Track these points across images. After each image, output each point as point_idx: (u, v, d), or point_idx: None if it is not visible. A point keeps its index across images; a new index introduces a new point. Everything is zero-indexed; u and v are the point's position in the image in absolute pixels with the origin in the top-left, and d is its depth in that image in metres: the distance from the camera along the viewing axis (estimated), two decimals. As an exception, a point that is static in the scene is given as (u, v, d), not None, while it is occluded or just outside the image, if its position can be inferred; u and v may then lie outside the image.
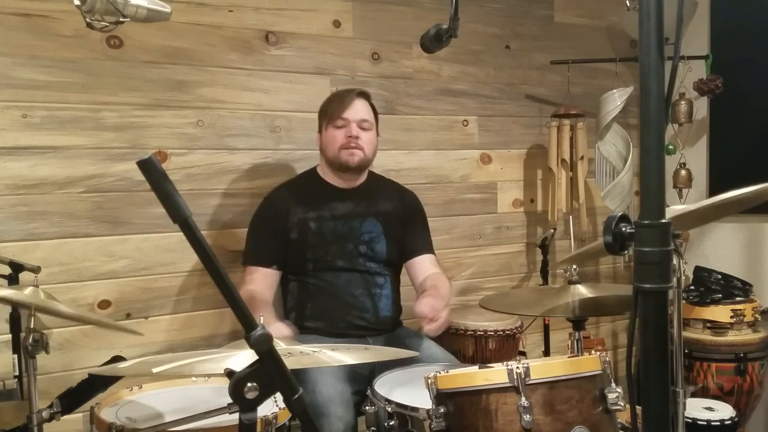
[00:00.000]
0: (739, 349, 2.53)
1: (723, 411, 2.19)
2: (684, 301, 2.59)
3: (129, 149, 2.29)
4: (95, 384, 1.60)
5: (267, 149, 2.53)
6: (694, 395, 2.34)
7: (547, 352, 2.82)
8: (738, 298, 2.60)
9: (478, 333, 2.49)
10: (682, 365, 1.61)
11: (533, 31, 3.09)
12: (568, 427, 1.35)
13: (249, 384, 0.99)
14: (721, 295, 2.61)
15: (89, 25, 1.32)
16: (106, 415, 1.59)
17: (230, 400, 1.01)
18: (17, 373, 1.98)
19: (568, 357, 1.53)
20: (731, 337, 2.55)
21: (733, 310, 2.56)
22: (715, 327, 2.57)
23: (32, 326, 1.49)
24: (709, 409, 2.21)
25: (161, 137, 2.35)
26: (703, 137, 3.14)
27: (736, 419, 2.16)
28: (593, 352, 1.45)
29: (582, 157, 2.96)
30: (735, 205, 1.72)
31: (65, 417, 1.56)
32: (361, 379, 1.99)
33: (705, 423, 2.13)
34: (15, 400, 1.97)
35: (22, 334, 1.58)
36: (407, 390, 1.72)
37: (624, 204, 2.99)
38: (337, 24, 2.64)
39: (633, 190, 3.05)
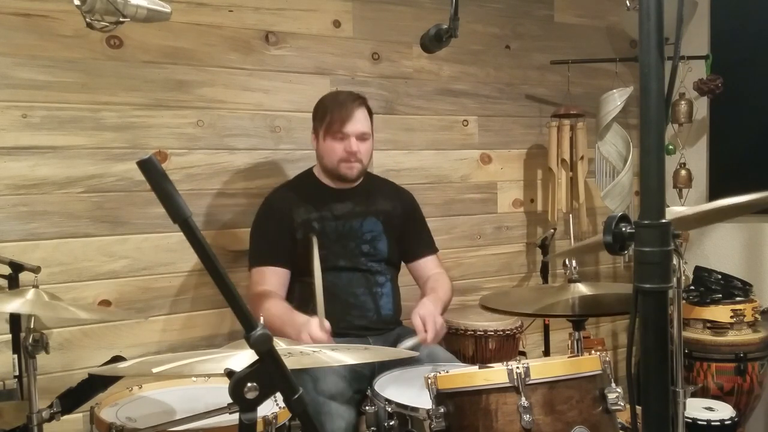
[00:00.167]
0: (739, 349, 2.53)
1: (723, 411, 2.19)
2: (684, 301, 2.59)
3: (129, 149, 2.29)
4: (95, 384, 1.60)
5: (267, 149, 2.53)
6: (694, 395, 2.34)
7: (547, 352, 2.82)
8: (738, 298, 2.60)
9: (478, 333, 2.49)
10: (682, 365, 1.61)
11: (533, 31, 3.09)
12: (568, 427, 1.35)
13: (249, 384, 0.99)
14: (721, 295, 2.61)
15: (89, 25, 1.32)
16: (106, 415, 1.59)
17: (230, 400, 1.01)
18: (17, 373, 1.98)
19: (568, 357, 1.53)
20: (731, 337, 2.55)
21: (733, 310, 2.56)
22: (715, 327, 2.57)
23: (32, 326, 1.49)
24: (709, 409, 2.21)
25: (161, 137, 2.35)
26: (703, 137, 3.14)
27: (736, 419, 2.17)
28: (593, 352, 1.45)
29: (582, 157, 2.96)
30: (736, 209, 1.72)
31: (65, 417, 1.57)
32: (362, 378, 1.99)
33: (705, 423, 2.13)
34: (15, 400, 1.97)
35: (22, 334, 1.58)
36: (407, 390, 1.72)
37: (624, 204, 2.99)
38: (337, 24, 2.64)
39: (633, 190, 3.05)
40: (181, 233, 0.94)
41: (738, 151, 3.02)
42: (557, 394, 1.37)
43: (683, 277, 2.06)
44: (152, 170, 0.93)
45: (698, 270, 2.74)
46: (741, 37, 2.95)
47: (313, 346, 1.52)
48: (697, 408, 2.20)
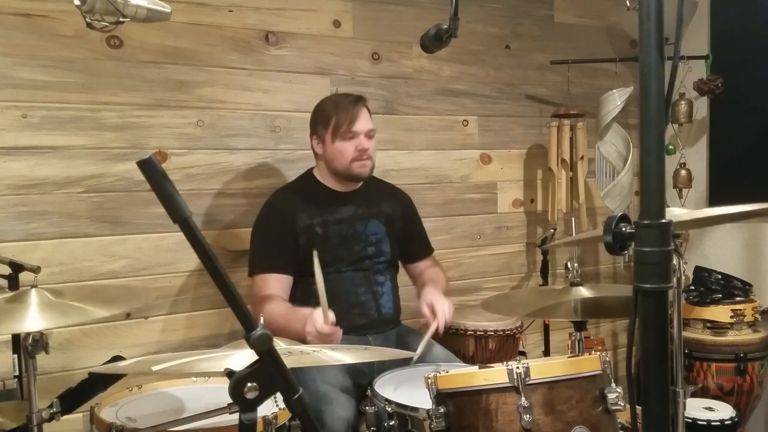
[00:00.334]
0: (739, 349, 2.53)
1: (723, 411, 2.19)
2: (684, 301, 2.59)
3: (129, 149, 2.29)
4: (95, 384, 1.60)
5: (267, 149, 2.53)
6: (694, 395, 2.34)
7: (547, 352, 2.82)
8: (738, 298, 2.60)
9: (478, 333, 2.49)
10: (682, 365, 1.61)
11: (533, 31, 3.09)
12: (568, 427, 1.35)
13: (249, 384, 0.99)
14: (721, 295, 2.61)
15: (89, 25, 1.32)
16: (106, 415, 1.59)
17: (230, 400, 1.01)
18: (17, 373, 1.98)
19: (568, 357, 1.53)
20: (731, 337, 2.55)
21: (733, 310, 2.56)
22: (715, 327, 2.57)
23: (32, 326, 1.49)
24: (709, 409, 2.21)
25: (161, 137, 2.35)
26: (703, 137, 3.14)
27: (736, 419, 2.17)
28: (593, 352, 1.45)
29: (582, 157, 2.96)
30: (737, 215, 1.72)
31: (65, 417, 1.56)
32: (361, 374, 2.00)
33: (705, 423, 2.13)
34: (15, 400, 1.97)
35: (22, 334, 1.58)
36: (407, 390, 1.73)
37: (624, 204, 2.99)
38: (337, 24, 2.64)
39: (633, 190, 3.05)
40: (181, 233, 0.94)
41: (738, 151, 3.01)
42: (557, 394, 1.37)
43: (683, 277, 2.07)
44: (152, 170, 0.93)
45: (698, 270, 2.74)
46: (741, 37, 2.95)
47: (313, 346, 1.52)
48: (697, 408, 2.20)
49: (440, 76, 2.88)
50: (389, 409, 1.62)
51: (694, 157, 3.12)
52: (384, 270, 2.25)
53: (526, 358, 2.27)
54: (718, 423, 2.13)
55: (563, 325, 2.87)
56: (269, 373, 1.00)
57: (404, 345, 2.13)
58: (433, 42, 1.49)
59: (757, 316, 2.60)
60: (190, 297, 2.41)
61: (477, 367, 1.46)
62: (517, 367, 1.36)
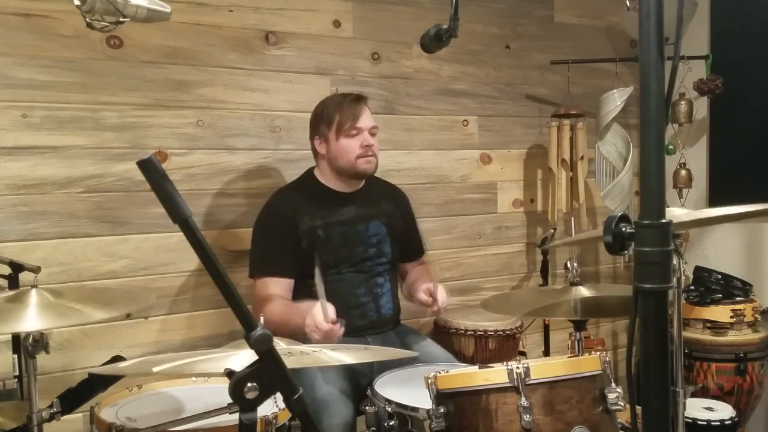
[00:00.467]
0: (739, 349, 2.53)
1: (723, 411, 2.19)
2: (684, 301, 2.59)
3: (129, 149, 2.29)
4: (95, 384, 1.60)
5: (267, 149, 2.53)
6: (694, 395, 2.34)
7: (547, 352, 2.82)
8: (738, 298, 2.60)
9: (478, 333, 2.49)
10: (682, 365, 1.61)
11: (533, 31, 3.09)
12: (568, 427, 1.35)
13: (249, 384, 0.99)
14: (721, 295, 2.61)
15: (89, 25, 1.32)
16: (106, 415, 1.59)
17: (230, 400, 1.01)
18: (17, 373, 1.98)
19: (568, 357, 1.53)
20: (731, 337, 2.55)
21: (733, 310, 2.56)
22: (715, 327, 2.57)
23: (32, 326, 1.49)
24: (709, 409, 2.21)
25: (161, 137, 2.35)
26: (703, 137, 3.14)
27: (736, 419, 2.17)
28: (593, 352, 1.45)
29: (582, 157, 2.96)
30: (737, 216, 1.72)
31: (65, 417, 1.56)
32: (361, 376, 2.00)
33: (705, 423, 2.13)
34: (15, 400, 1.97)
35: (22, 334, 1.58)
36: (407, 390, 1.72)
37: (624, 204, 2.99)
38: (337, 24, 2.64)
39: (633, 190, 3.05)
40: (181, 233, 0.94)
41: (738, 151, 3.01)
42: (557, 394, 1.37)
43: (683, 277, 2.06)
44: (152, 170, 0.93)
45: (698, 270, 2.74)
46: (741, 37, 2.95)
47: (313, 346, 1.52)
48: (697, 408, 2.20)
49: (440, 76, 2.88)
50: (389, 409, 1.62)
51: (694, 157, 3.12)
52: (384, 271, 2.25)
53: (526, 358, 2.28)
54: (718, 423, 2.13)
55: (563, 325, 2.87)
56: (269, 373, 1.00)
57: (404, 346, 2.12)
58: (433, 42, 1.49)
59: (757, 316, 2.60)
60: (190, 297, 2.41)
61: (477, 367, 1.46)
62: (517, 367, 1.36)
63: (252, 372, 0.99)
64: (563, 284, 2.42)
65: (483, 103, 2.98)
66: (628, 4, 2.76)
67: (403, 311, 2.34)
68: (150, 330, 2.35)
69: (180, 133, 2.38)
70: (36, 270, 1.92)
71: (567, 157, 2.95)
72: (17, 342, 1.97)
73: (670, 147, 3.05)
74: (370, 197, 2.28)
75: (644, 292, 0.92)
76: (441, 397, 1.43)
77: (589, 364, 1.42)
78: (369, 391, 1.74)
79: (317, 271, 1.71)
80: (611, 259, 3.33)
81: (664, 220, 0.91)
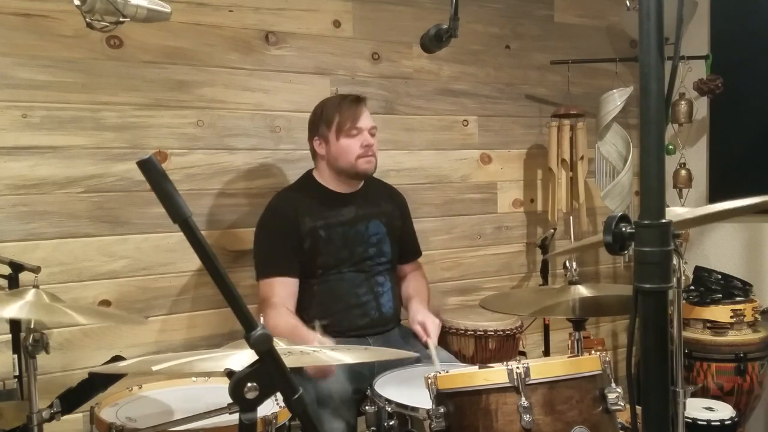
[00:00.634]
0: (739, 349, 2.53)
1: (723, 411, 2.19)
2: (684, 301, 2.59)
3: (129, 149, 2.29)
4: (95, 384, 1.60)
5: (267, 149, 2.53)
6: (694, 395, 2.34)
7: (547, 352, 2.82)
8: (738, 298, 2.60)
9: (478, 333, 2.49)
10: (682, 365, 1.61)
11: (533, 31, 3.09)
12: (568, 427, 1.35)
13: (249, 384, 0.99)
14: (721, 295, 2.61)
15: (89, 25, 1.32)
16: (106, 415, 1.59)
17: (230, 400, 1.01)
18: (17, 373, 1.98)
19: (568, 357, 1.53)
20: (731, 337, 2.55)
21: (733, 310, 2.56)
22: (715, 327, 2.57)
23: (32, 326, 1.49)
24: (709, 409, 2.21)
25: (161, 137, 2.35)
26: (703, 137, 3.14)
27: (736, 419, 2.17)
28: (593, 352, 1.45)
29: (582, 157, 2.96)
30: (736, 211, 1.72)
31: (65, 417, 1.57)
32: (362, 378, 1.99)
33: (705, 423, 2.13)
34: (15, 400, 1.97)
35: (22, 334, 1.58)
36: (407, 390, 1.72)
37: (624, 204, 2.99)
38: (337, 24, 2.64)
39: (633, 190, 3.05)
40: (181, 233, 0.94)
41: (738, 151, 3.01)
42: (557, 394, 1.37)
43: (683, 277, 2.06)
44: (152, 170, 0.93)
45: (698, 270, 2.74)
46: (741, 37, 2.95)
47: (313, 347, 1.52)
48: (697, 408, 2.20)
49: (440, 76, 2.88)
50: (389, 409, 1.62)
51: (694, 157, 3.12)
52: (384, 270, 2.25)
53: (526, 358, 2.27)
54: (718, 423, 2.13)
55: (563, 325, 2.86)
56: (269, 373, 1.00)
57: (404, 346, 2.12)
58: (433, 42, 1.49)
59: (757, 316, 2.60)
60: (190, 297, 2.41)
61: (477, 367, 1.46)
62: (517, 367, 1.36)
63: (252, 372, 0.99)
64: (563, 284, 2.42)
65: (483, 103, 2.98)
66: (628, 4, 2.76)
67: (403, 312, 2.33)
68: (150, 330, 2.35)
69: (180, 133, 2.38)
70: (36, 270, 1.92)
71: (567, 157, 2.95)
72: (17, 342, 1.97)
73: (670, 147, 3.05)
74: (369, 197, 2.28)
75: (644, 292, 0.92)
76: (441, 397, 1.43)
77: (589, 364, 1.41)
78: (369, 391, 1.74)
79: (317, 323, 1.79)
80: (611, 259, 3.33)
81: (664, 220, 0.91)
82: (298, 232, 2.13)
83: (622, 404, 1.41)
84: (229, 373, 1.00)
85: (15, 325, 1.98)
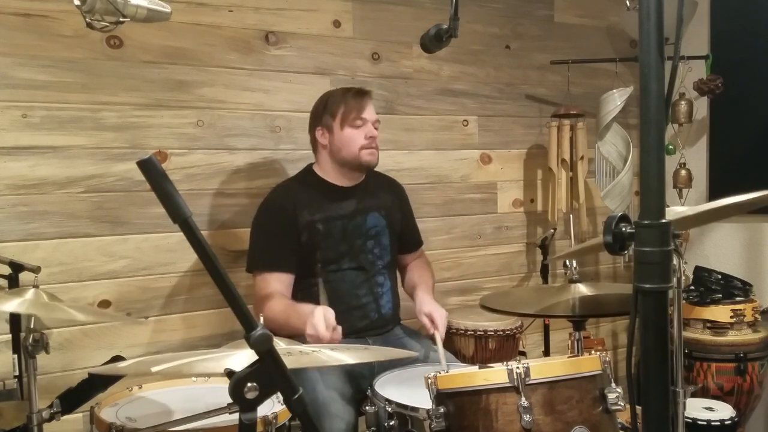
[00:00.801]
0: (739, 349, 2.53)
1: (723, 411, 2.19)
2: (684, 301, 2.59)
3: (129, 149, 2.29)
4: (95, 384, 1.60)
5: (267, 149, 2.53)
6: (694, 395, 2.34)
7: (547, 352, 2.82)
8: (738, 298, 2.60)
9: (478, 333, 2.50)
10: (682, 365, 1.61)
11: (533, 31, 3.09)
12: (568, 427, 1.35)
13: (249, 384, 0.99)
14: (721, 295, 2.61)
15: (89, 25, 1.32)
16: (106, 415, 1.59)
17: (230, 400, 1.01)
18: (17, 373, 1.98)
19: (568, 357, 1.53)
20: (731, 337, 2.55)
21: (733, 310, 2.56)
22: (715, 327, 2.57)
23: (32, 326, 1.49)
24: (709, 409, 2.21)
25: (161, 137, 2.35)
26: (703, 137, 3.14)
27: (736, 419, 2.16)
28: (593, 352, 1.45)
29: (582, 157, 2.96)
30: (736, 208, 1.72)
31: (65, 417, 1.57)
32: (362, 378, 1.99)
33: (705, 423, 2.13)
34: (15, 400, 1.97)
35: (22, 334, 1.58)
36: (407, 390, 1.72)
37: (624, 204, 2.99)
38: (337, 24, 2.64)
39: (633, 190, 3.05)
40: (181, 233, 0.94)
41: (738, 151, 3.01)
42: (557, 394, 1.37)
43: (683, 277, 2.06)
44: (152, 170, 0.93)
45: (698, 270, 2.74)
46: (741, 37, 2.95)
47: (313, 346, 1.52)
48: (697, 408, 2.20)
49: (440, 76, 2.88)
50: (389, 409, 1.62)
51: (694, 157, 3.12)
52: (384, 269, 2.24)
53: (526, 358, 2.27)
54: (718, 423, 2.13)
55: (563, 325, 2.87)
56: (269, 373, 1.00)
57: (404, 346, 2.12)
58: (433, 42, 1.49)
59: (757, 316, 2.60)
60: (190, 297, 2.41)
61: (477, 367, 1.46)
62: (517, 367, 1.36)
63: (252, 372, 0.99)
64: (562, 283, 2.42)
65: (483, 103, 2.98)
66: (628, 4, 2.76)
67: (403, 311, 2.34)
68: (150, 330, 2.35)
69: (180, 133, 2.38)
70: (36, 270, 1.92)
71: (567, 157, 2.95)
72: (17, 342, 1.97)
73: (670, 147, 3.05)
74: (369, 190, 2.27)
75: (644, 292, 0.92)
76: (441, 397, 1.43)
77: (589, 364, 1.41)
78: (369, 391, 1.74)
79: (320, 280, 1.71)
80: (611, 259, 3.33)
81: (664, 220, 0.91)
82: (296, 225, 2.12)
83: (622, 404, 1.41)
84: (229, 373, 1.00)
85: (15, 325, 1.98)
